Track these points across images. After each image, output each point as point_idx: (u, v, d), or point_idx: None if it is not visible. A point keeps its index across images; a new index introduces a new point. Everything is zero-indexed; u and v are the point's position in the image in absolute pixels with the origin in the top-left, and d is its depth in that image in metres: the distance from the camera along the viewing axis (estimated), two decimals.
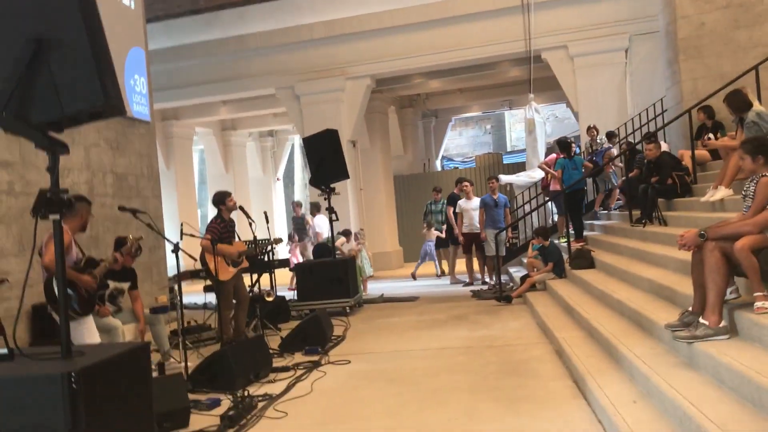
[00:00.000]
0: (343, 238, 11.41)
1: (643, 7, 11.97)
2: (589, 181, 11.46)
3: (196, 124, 18.34)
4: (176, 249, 5.62)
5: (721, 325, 3.84)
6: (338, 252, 10.55)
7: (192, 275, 9.18)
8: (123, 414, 3.09)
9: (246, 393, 4.96)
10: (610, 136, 11.45)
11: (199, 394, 5.32)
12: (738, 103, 6.71)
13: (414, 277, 13.22)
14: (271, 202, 21.24)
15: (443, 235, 12.77)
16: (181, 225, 7.33)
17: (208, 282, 7.59)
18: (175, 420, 4.50)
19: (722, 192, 6.56)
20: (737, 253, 3.78)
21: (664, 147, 9.01)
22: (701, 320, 3.88)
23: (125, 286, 6.44)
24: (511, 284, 10.22)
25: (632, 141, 10.99)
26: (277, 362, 6.33)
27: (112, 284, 6.29)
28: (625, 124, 12.13)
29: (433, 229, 12.96)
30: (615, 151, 11.08)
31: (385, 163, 16.50)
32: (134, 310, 6.47)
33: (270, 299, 8.08)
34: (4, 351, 3.07)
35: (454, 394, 4.88)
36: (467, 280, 11.72)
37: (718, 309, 3.86)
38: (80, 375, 2.74)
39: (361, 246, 12.04)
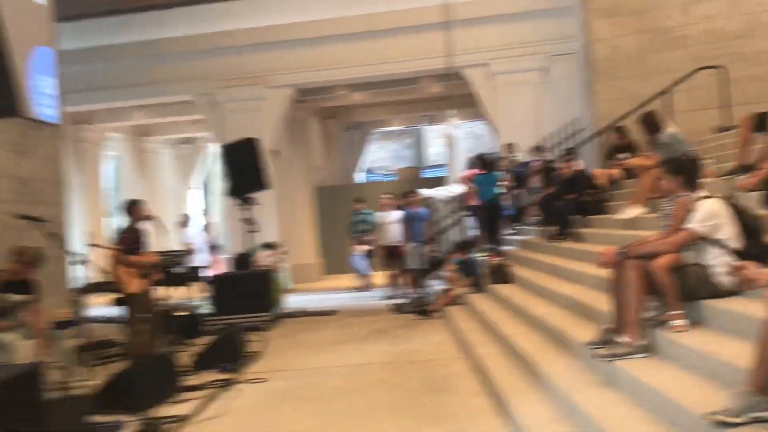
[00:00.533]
0: (265, 251, 11.13)
1: (562, 28, 12.29)
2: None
3: (109, 129, 17.59)
4: (80, 260, 5.26)
5: (640, 344, 3.89)
6: (257, 265, 10.27)
7: (100, 287, 8.74)
8: None
9: (152, 415, 4.67)
10: (539, 149, 11.60)
11: (104, 415, 4.98)
12: (651, 124, 6.94)
13: (363, 288, 13.06)
14: (188, 210, 20.58)
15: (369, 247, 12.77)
16: (88, 235, 6.91)
17: (119, 294, 7.20)
18: None
19: (636, 210, 6.75)
20: (656, 272, 3.84)
21: (580, 165, 9.24)
22: (620, 338, 3.92)
23: (23, 298, 6.00)
24: (432, 298, 10.21)
25: (550, 159, 11.22)
26: (189, 381, 6.03)
27: (8, 297, 5.85)
28: (543, 142, 12.40)
29: (360, 244, 12.89)
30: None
31: (306, 174, 16.29)
32: (33, 324, 6.03)
33: (181, 314, 7.74)
34: None
35: (375, 412, 4.77)
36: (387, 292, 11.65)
37: (637, 327, 3.90)
38: None
39: (282, 258, 11.81)
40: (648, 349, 3.92)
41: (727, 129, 8.02)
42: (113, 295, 7.50)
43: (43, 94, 9.02)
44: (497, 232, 10.36)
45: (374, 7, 12.97)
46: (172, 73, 14.13)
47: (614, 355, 3.90)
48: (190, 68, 14.01)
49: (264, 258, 10.79)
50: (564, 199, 8.38)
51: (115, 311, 7.90)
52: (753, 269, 2.74)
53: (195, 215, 13.92)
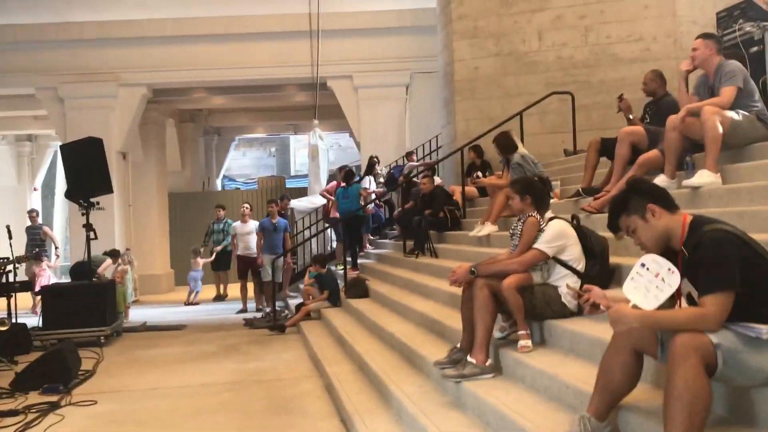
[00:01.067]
0: (108, 260, 10.32)
1: (425, 46, 12.50)
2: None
3: None
4: None
5: (487, 364, 3.84)
6: (98, 275, 9.48)
7: None
8: None
9: None
10: (410, 154, 11.59)
11: None
12: (505, 144, 7.09)
13: (190, 303, 12.51)
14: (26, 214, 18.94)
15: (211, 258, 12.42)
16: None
17: None
18: None
19: (488, 228, 6.85)
20: (504, 291, 3.81)
21: (438, 182, 9.35)
22: (469, 358, 3.85)
23: None
24: (287, 312, 9.92)
25: (408, 174, 11.31)
26: (4, 404, 5.37)
27: None
28: (403, 157, 12.51)
29: (199, 258, 12.50)
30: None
31: (159, 179, 15.45)
32: None
33: (4, 328, 6.95)
34: None
35: None
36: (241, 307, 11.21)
37: (485, 347, 3.85)
38: None
39: (127, 268, 11.04)
40: (496, 370, 3.89)
41: (574, 152, 8.41)
42: None
43: None
44: (356, 245, 10.26)
45: (239, 9, 12.57)
46: (12, 63, 12.97)
47: (462, 376, 3.82)
48: (32, 59, 12.93)
49: (106, 267, 10.01)
50: (422, 214, 8.42)
51: None
52: (596, 292, 2.73)
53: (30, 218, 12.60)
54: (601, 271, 4.04)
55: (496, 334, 4.06)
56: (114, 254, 10.57)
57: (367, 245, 11.03)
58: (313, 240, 12.22)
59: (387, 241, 10.78)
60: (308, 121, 16.29)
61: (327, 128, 16.71)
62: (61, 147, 9.09)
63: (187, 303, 12.62)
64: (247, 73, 13.12)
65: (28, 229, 12.57)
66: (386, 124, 13.08)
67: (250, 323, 9.46)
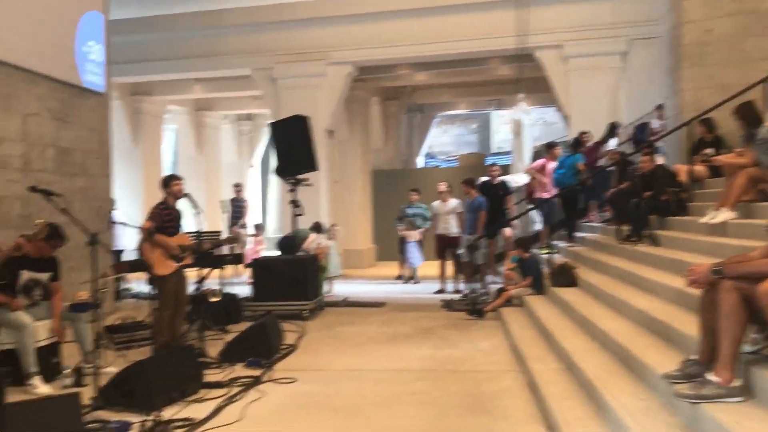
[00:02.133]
0: (313, 235, 10.59)
1: (645, 10, 11.27)
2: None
3: (168, 102, 17.40)
4: (93, 241, 4.80)
5: (734, 384, 3.12)
6: (304, 250, 9.74)
7: (134, 266, 8.39)
8: None
9: (159, 418, 4.17)
10: (614, 127, 10.60)
11: (112, 413, 4.53)
12: (750, 116, 6.02)
13: (409, 279, 12.42)
14: (245, 188, 20.35)
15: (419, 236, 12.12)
16: (112, 210, 6.49)
17: (150, 274, 6.77)
18: None
19: (725, 214, 5.86)
20: (761, 298, 3.05)
21: (660, 160, 8.32)
22: (710, 376, 3.16)
23: (44, 276, 5.62)
24: (486, 296, 9.49)
25: (624, 151, 10.29)
26: (212, 375, 5.55)
27: (26, 274, 5.47)
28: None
29: (413, 230, 12.15)
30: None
31: (363, 156, 15.71)
32: (52, 304, 5.65)
33: (215, 300, 7.28)
34: None
35: None
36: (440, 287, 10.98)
37: (731, 364, 3.13)
38: None
39: (331, 243, 11.27)
40: (745, 392, 3.15)
41: None
42: (146, 275, 7.09)
43: (89, 60, 8.68)
44: (572, 224, 9.75)
45: None
46: (231, 46, 13.74)
47: (701, 396, 3.14)
48: (249, 41, 13.59)
49: (312, 241, 10.24)
50: (640, 196, 7.53)
51: (147, 291, 7.54)
52: None
53: (246, 195, 13.40)
54: None
55: (746, 348, 3.30)
56: (317, 228, 10.80)
57: (594, 217, 10.22)
58: (516, 221, 11.65)
59: (596, 224, 9.91)
60: (511, 95, 15.62)
61: (531, 102, 15.88)
62: (270, 124, 9.39)
63: (402, 277, 12.52)
64: (451, 47, 12.75)
65: (232, 201, 13.38)
66: (598, 97, 12.03)
67: (447, 305, 9.17)
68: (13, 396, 4.85)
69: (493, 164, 11.02)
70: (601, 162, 10.18)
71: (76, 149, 8.50)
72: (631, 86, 12.04)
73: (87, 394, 4.75)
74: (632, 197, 7.68)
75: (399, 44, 12.84)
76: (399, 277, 12.61)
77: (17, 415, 3.53)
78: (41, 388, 5.12)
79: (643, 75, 11.68)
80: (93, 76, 8.73)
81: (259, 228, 13.40)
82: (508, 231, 10.47)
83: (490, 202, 10.19)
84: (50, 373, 5.48)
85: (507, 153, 21.18)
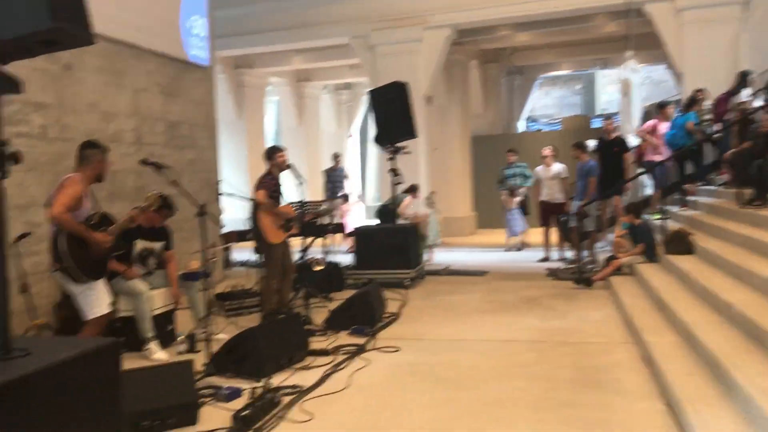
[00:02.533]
0: (408, 198, 10.50)
1: None
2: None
3: (269, 74, 17.70)
4: (202, 212, 4.91)
5: None
6: (401, 215, 9.69)
7: (242, 236, 8.60)
8: (71, 431, 2.39)
9: (268, 385, 4.23)
10: (745, 75, 9.70)
11: (223, 379, 4.66)
12: None
13: (514, 247, 12.15)
14: (344, 157, 20.51)
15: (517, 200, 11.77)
16: (218, 183, 6.63)
17: (257, 243, 6.92)
18: (181, 416, 3.84)
19: None
20: None
21: None
22: None
23: (157, 246, 5.84)
24: (594, 265, 9.13)
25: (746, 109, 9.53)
26: (318, 342, 5.61)
27: (141, 244, 5.69)
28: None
29: (514, 197, 11.76)
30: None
31: (462, 122, 15.41)
32: (167, 272, 5.88)
33: (319, 268, 7.35)
34: None
35: (515, 408, 4.00)
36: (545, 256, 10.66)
37: None
38: None
39: (431, 211, 11.17)
40: None
41: None
42: (254, 244, 7.26)
43: (194, 35, 8.88)
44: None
45: None
46: (329, 15, 13.71)
47: None
48: (346, 9, 13.51)
49: (407, 205, 10.13)
50: (764, 156, 6.96)
51: (255, 260, 7.71)
52: None
53: (345, 164, 13.48)
54: None
55: None
56: (413, 189, 10.68)
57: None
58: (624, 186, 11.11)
59: (712, 188, 9.30)
60: (618, 53, 14.84)
61: (640, 60, 15.00)
62: (369, 92, 9.32)
63: (511, 247, 12.31)
64: (555, 4, 12.18)
65: (330, 170, 13.49)
66: (716, 51, 11.17)
67: (553, 274, 8.91)
68: (132, 361, 5.11)
69: (608, 117, 10.32)
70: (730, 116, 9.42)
71: (184, 123, 8.76)
72: (754, 38, 11.12)
73: (199, 360, 4.91)
74: (755, 158, 7.12)
75: (500, 4, 12.40)
76: (508, 248, 12.25)
77: (134, 381, 3.67)
78: (158, 353, 5.34)
79: (766, 25, 10.75)
80: (198, 51, 8.94)
81: (356, 197, 13.50)
82: (617, 197, 9.97)
83: (605, 162, 9.63)
84: (165, 339, 5.73)
85: (613, 115, 20.27)
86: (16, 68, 2.46)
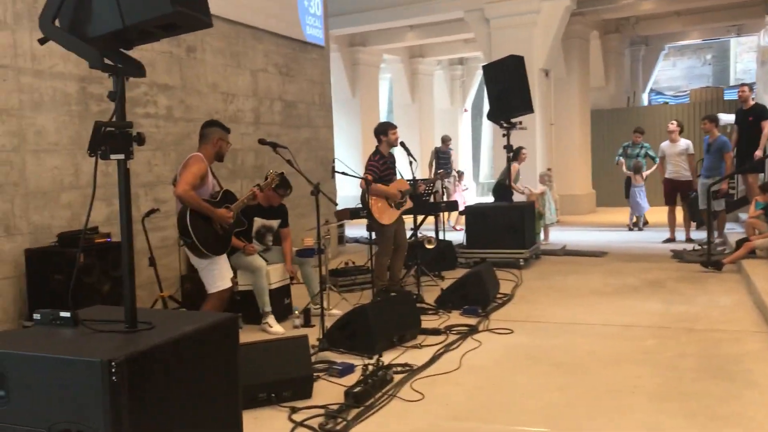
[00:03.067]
0: (515, 164, 10.00)
1: None
2: None
3: (383, 51, 17.74)
4: (316, 190, 4.99)
5: None
6: (516, 190, 9.47)
7: (355, 213, 8.70)
8: (192, 402, 2.49)
9: (381, 363, 4.27)
10: None
11: (336, 354, 4.75)
12: None
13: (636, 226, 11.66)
14: (457, 134, 20.33)
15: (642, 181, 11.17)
16: (333, 162, 6.71)
17: (370, 221, 6.98)
18: (296, 389, 3.94)
19: None
20: None
21: None
22: None
23: (274, 223, 6.02)
24: (724, 247, 8.56)
25: None
26: (429, 321, 5.60)
27: (259, 221, 5.88)
28: None
29: (638, 174, 11.19)
30: None
31: (581, 96, 14.81)
32: (283, 249, 6.05)
33: (431, 246, 7.32)
34: (67, 315, 2.57)
35: (634, 397, 3.82)
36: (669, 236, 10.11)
37: None
38: (125, 364, 2.14)
39: (546, 188, 10.84)
40: None
41: None
42: (366, 222, 7.33)
43: (310, 14, 9.01)
44: None
45: None
46: None
47: None
48: None
49: (516, 172, 9.84)
50: None
51: (368, 237, 7.80)
52: None
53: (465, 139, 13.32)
54: None
55: None
56: (516, 154, 10.28)
57: None
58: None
59: None
60: (756, 19, 13.74)
61: None
62: (483, 67, 9.12)
63: (634, 226, 11.82)
64: None
65: (438, 151, 13.42)
66: None
67: (679, 256, 8.43)
68: (251, 333, 5.31)
69: (743, 85, 9.51)
70: None
71: (300, 102, 8.95)
72: None
73: (313, 334, 5.03)
74: None
75: None
76: (630, 228, 11.73)
77: (252, 354, 3.79)
78: (275, 326, 5.52)
79: None
80: (313, 30, 9.07)
81: (461, 175, 13.39)
82: (751, 174, 9.25)
83: (740, 133, 8.94)
84: (282, 312, 5.92)
85: (750, 85, 18.85)
86: (143, 52, 2.57)
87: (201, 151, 4.81)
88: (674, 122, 10.16)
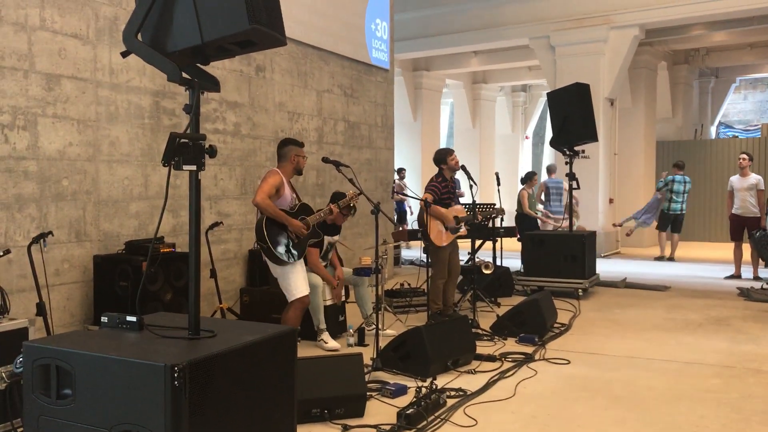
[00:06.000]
0: (523, 189, 9.86)
1: None
2: None
3: (446, 76, 17.80)
4: (377, 210, 5.02)
5: None
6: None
7: (412, 235, 8.71)
8: (249, 412, 2.52)
9: (434, 386, 4.24)
10: None
11: (389, 375, 4.74)
12: None
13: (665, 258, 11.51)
14: (517, 161, 20.18)
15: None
16: (393, 184, 6.74)
17: (426, 244, 6.98)
18: (349, 407, 3.95)
19: None
20: None
21: None
22: None
23: (336, 239, 6.08)
24: None
25: None
26: (484, 347, 5.54)
27: (327, 238, 5.94)
28: None
29: None
30: None
31: (647, 127, 14.54)
32: (336, 273, 6.08)
33: (488, 272, 7.26)
34: (133, 319, 2.65)
35: None
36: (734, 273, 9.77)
37: None
38: (187, 369, 2.20)
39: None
40: None
41: None
42: (423, 244, 7.33)
43: (376, 38, 9.14)
44: None
45: None
46: (508, 16, 13.55)
47: None
48: (526, 9, 13.27)
49: (527, 200, 9.73)
50: None
51: (423, 259, 7.79)
52: None
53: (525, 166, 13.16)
54: None
55: None
56: (527, 176, 10.09)
57: None
58: None
59: None
60: None
61: None
62: (548, 94, 9.06)
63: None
64: (754, 1, 11.12)
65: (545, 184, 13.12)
66: None
67: (746, 294, 8.13)
68: (306, 348, 5.35)
69: (744, 154, 9.61)
70: None
71: (363, 123, 9.05)
72: None
73: (367, 353, 5.03)
74: None
75: (693, 1, 11.54)
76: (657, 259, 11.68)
77: (307, 369, 3.83)
78: (330, 343, 5.56)
79: None
80: (379, 53, 9.19)
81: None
82: None
83: None
84: (337, 330, 5.95)
85: None
86: (214, 70, 2.66)
87: (280, 168, 5.11)
88: (745, 156, 9.85)
